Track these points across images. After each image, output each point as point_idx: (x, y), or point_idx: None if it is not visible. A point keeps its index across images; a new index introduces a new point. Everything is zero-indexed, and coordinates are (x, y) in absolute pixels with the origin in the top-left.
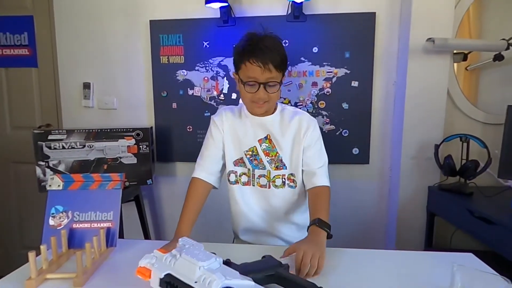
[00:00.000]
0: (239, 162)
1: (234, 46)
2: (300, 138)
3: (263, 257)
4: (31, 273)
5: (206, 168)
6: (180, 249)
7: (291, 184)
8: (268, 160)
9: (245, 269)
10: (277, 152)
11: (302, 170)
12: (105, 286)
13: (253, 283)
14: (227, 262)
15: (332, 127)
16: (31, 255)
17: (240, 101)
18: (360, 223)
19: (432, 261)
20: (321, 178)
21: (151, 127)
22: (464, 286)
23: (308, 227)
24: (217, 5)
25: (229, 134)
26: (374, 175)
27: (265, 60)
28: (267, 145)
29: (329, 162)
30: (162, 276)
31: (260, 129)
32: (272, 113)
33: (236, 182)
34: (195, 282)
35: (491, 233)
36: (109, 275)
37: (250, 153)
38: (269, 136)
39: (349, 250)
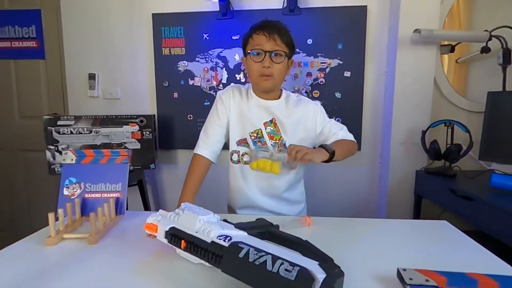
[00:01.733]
0: (242, 142)
1: (243, 34)
2: (309, 126)
3: (256, 219)
4: (50, 232)
5: (209, 146)
6: (182, 209)
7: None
8: (272, 143)
9: (239, 226)
10: (281, 136)
11: (323, 140)
12: (116, 245)
13: (246, 233)
14: (224, 221)
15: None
16: (51, 215)
17: (247, 84)
18: (352, 207)
19: (411, 227)
20: (345, 134)
21: (154, 115)
22: None
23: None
24: None
25: (235, 114)
26: (365, 161)
27: (271, 31)
28: (272, 128)
29: None
30: (167, 229)
31: (266, 112)
32: (278, 98)
33: (238, 161)
34: (196, 232)
35: (472, 209)
36: (119, 237)
37: (255, 135)
38: (274, 120)
39: (341, 219)
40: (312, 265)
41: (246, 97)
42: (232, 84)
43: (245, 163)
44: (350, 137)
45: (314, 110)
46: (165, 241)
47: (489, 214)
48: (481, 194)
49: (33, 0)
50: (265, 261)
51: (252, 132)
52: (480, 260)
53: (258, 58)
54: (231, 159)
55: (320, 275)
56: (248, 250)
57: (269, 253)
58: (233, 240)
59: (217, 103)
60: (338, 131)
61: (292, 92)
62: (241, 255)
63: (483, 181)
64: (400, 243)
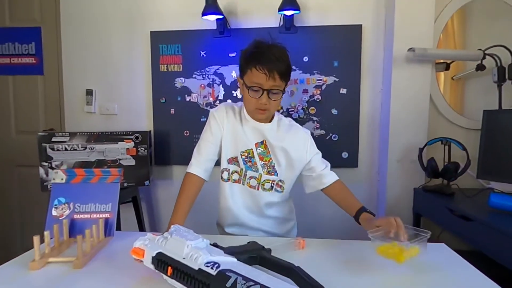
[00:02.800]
0: (233, 160)
1: (241, 50)
2: (299, 154)
3: (248, 242)
4: (35, 256)
5: (202, 164)
6: (171, 232)
7: (279, 189)
8: (261, 164)
9: (229, 251)
10: (270, 158)
11: (308, 175)
12: (102, 270)
13: (235, 259)
14: (214, 245)
15: (322, 132)
16: (36, 238)
17: (240, 103)
18: (348, 226)
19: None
20: (331, 176)
21: (150, 131)
22: None
23: (359, 214)
24: (213, 17)
25: (228, 132)
26: (362, 178)
27: (271, 69)
28: (262, 149)
29: None
30: (154, 254)
31: (258, 133)
32: (270, 121)
33: (228, 179)
34: (183, 258)
35: (470, 229)
36: (106, 261)
37: (246, 154)
38: (265, 142)
39: (336, 241)
40: None
41: (239, 117)
42: (225, 102)
43: (234, 181)
44: (335, 176)
45: (304, 139)
46: (152, 267)
47: (488, 235)
48: (479, 214)
49: (34, 18)
50: None
51: (243, 152)
52: (478, 286)
53: (256, 95)
54: (222, 177)
55: None
56: (236, 279)
57: (258, 283)
58: (221, 268)
59: (210, 121)
60: (321, 171)
61: (289, 108)
62: (228, 284)
63: (481, 200)
64: (398, 267)
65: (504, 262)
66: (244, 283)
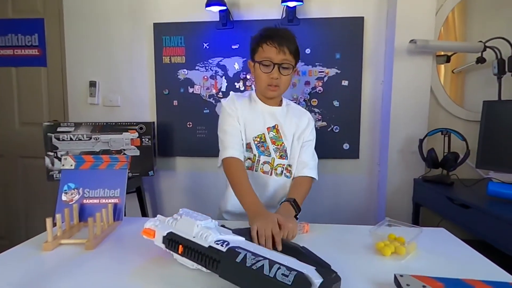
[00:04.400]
0: (246, 147)
1: (251, 36)
2: (300, 133)
3: None
4: (48, 237)
5: (237, 146)
6: (180, 214)
7: (287, 174)
8: (274, 148)
9: (237, 231)
10: (282, 142)
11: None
12: (113, 251)
13: (243, 238)
14: (222, 226)
15: (324, 123)
16: (48, 220)
17: (247, 92)
18: (350, 215)
19: (408, 234)
20: (312, 171)
21: (153, 122)
22: None
23: (281, 202)
24: (217, 8)
25: (241, 120)
26: (363, 169)
27: (281, 43)
28: (274, 134)
29: (321, 157)
30: (165, 234)
31: (269, 117)
32: (280, 104)
33: None
34: (193, 237)
35: (469, 217)
36: (116, 243)
37: (258, 139)
38: (277, 126)
39: (339, 226)
40: (309, 270)
41: (249, 103)
42: (232, 92)
43: (247, 168)
44: (315, 173)
45: (309, 121)
46: (163, 246)
47: (487, 223)
48: (478, 202)
49: (36, 9)
50: (262, 265)
51: (255, 137)
52: (477, 267)
53: (267, 69)
54: None
55: (317, 279)
56: (245, 254)
57: (266, 258)
58: (230, 245)
59: (226, 110)
60: (309, 162)
61: (291, 100)
62: (238, 259)
63: (480, 189)
64: None
65: (503, 248)
66: (254, 258)
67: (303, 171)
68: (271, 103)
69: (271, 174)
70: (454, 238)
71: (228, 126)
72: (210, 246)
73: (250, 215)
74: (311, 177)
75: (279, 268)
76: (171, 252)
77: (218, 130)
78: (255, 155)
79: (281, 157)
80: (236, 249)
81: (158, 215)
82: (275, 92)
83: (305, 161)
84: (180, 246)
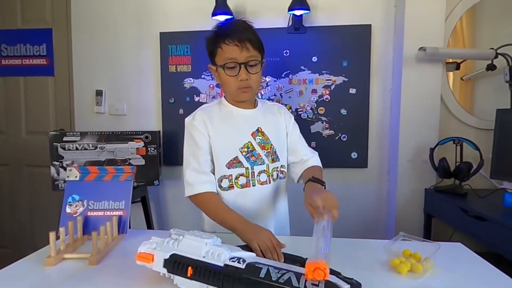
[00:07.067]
0: (233, 163)
1: (206, 37)
2: (281, 126)
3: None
4: (50, 252)
5: (206, 177)
6: (178, 234)
7: (281, 175)
8: (265, 153)
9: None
10: (271, 144)
11: (293, 162)
12: (117, 266)
13: (254, 254)
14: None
15: (331, 132)
16: (52, 235)
17: (214, 100)
18: (359, 226)
19: (425, 249)
20: (315, 160)
21: (159, 131)
22: None
23: (305, 183)
24: (223, 17)
25: (217, 135)
26: (372, 178)
27: (241, 39)
28: (260, 138)
29: (329, 166)
30: (167, 256)
31: (249, 122)
32: (255, 105)
33: (230, 187)
34: (203, 257)
35: (485, 230)
36: (121, 257)
37: (246, 149)
38: (260, 129)
39: (348, 240)
40: (332, 278)
41: (222, 113)
42: (197, 109)
43: (242, 186)
44: (319, 162)
45: (284, 114)
46: (164, 271)
47: (504, 236)
48: (494, 214)
49: (45, 19)
50: (289, 278)
51: (242, 147)
52: (496, 283)
53: (233, 72)
54: (220, 186)
55: (345, 286)
56: (268, 269)
57: (290, 270)
58: (247, 261)
59: (192, 133)
60: (309, 157)
61: (298, 108)
62: (262, 275)
63: (495, 201)
64: None
65: None
66: (278, 272)
67: (307, 164)
68: (246, 106)
69: (269, 182)
70: (472, 253)
71: (198, 154)
72: (226, 265)
73: (239, 230)
74: (318, 166)
75: (307, 280)
76: (172, 276)
77: (184, 150)
78: (247, 168)
79: (273, 160)
80: (256, 265)
81: (152, 237)
82: (247, 93)
83: (303, 159)
84: (189, 268)
